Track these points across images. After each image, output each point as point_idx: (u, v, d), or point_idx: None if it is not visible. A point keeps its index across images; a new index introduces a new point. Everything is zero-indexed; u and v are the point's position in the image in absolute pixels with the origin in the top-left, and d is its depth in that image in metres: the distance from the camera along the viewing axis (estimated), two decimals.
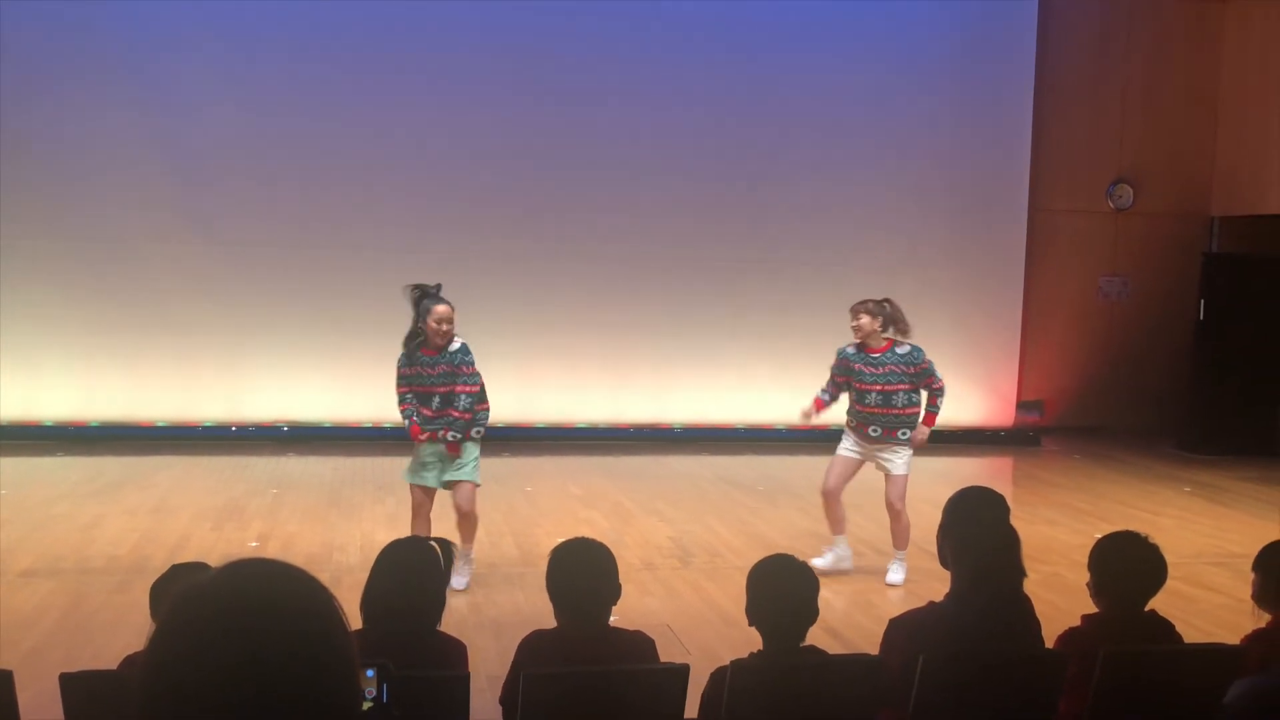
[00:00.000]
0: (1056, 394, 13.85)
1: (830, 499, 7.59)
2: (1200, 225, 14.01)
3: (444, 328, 6.70)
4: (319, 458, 11.17)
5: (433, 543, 3.76)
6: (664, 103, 12.56)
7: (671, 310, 12.54)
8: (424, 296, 6.76)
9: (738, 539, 8.42)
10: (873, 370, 7.36)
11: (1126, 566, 3.93)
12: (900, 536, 7.51)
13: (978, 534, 3.90)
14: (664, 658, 3.85)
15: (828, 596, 6.66)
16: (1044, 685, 3.68)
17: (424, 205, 12.16)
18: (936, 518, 4.27)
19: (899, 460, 7.47)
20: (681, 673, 3.53)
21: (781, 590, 3.59)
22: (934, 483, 10.58)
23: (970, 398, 13.33)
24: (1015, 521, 4.14)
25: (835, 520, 7.62)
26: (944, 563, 4.00)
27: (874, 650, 3.96)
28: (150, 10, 11.62)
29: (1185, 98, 13.88)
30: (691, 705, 3.61)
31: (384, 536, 7.81)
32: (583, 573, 3.73)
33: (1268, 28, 13.25)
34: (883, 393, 7.33)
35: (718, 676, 3.52)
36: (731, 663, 3.50)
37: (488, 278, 12.05)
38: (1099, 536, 4.15)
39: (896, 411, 7.36)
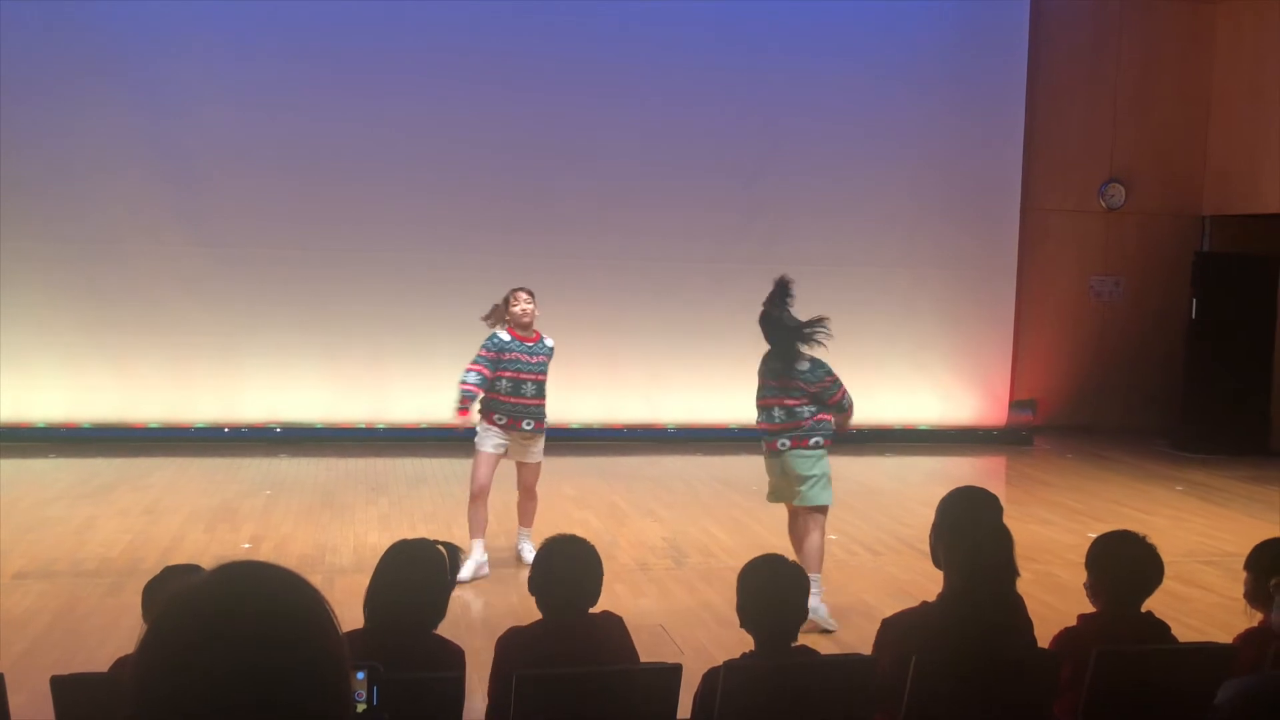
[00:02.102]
0: (1049, 393, 13.87)
1: (482, 499, 7.38)
2: (1192, 224, 14.04)
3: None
4: (312, 459, 11.15)
5: (440, 546, 3.76)
6: (656, 102, 12.56)
7: (665, 310, 12.54)
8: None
9: (731, 539, 8.42)
10: (528, 359, 7.45)
11: (1124, 566, 3.93)
12: (531, 515, 7.69)
13: (971, 533, 3.90)
14: (657, 658, 3.87)
15: (822, 596, 6.67)
16: (1037, 685, 3.68)
17: (416, 206, 12.14)
18: (930, 517, 4.28)
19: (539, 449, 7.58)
20: (674, 672, 3.53)
21: (771, 590, 3.60)
22: (927, 482, 10.63)
23: (963, 397, 13.36)
24: (1008, 521, 4.14)
25: (479, 523, 7.37)
26: (937, 562, 4.00)
27: (867, 650, 3.96)
28: (142, 11, 11.59)
29: (1177, 97, 13.91)
30: (684, 705, 3.62)
31: (377, 538, 7.84)
32: (568, 569, 3.78)
33: (1259, 28, 13.28)
34: (536, 383, 7.43)
35: (710, 677, 3.52)
36: (724, 663, 3.50)
37: (480, 278, 12.01)
38: (1093, 536, 4.16)
39: (542, 403, 7.49)
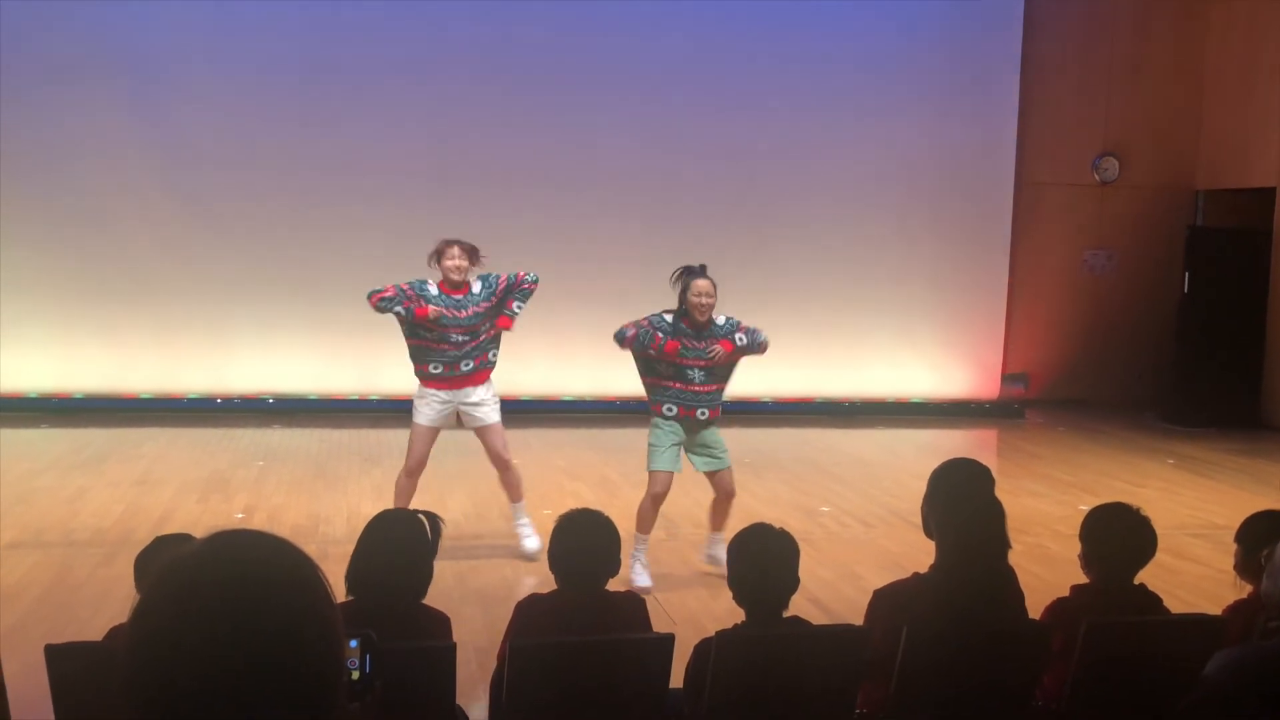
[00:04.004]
0: (1041, 367, 13.89)
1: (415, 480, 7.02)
2: (1185, 198, 14.03)
3: (704, 301, 6.94)
4: (305, 430, 11.15)
5: (421, 515, 3.78)
6: (648, 77, 12.50)
7: (657, 282, 12.48)
8: (686, 273, 7.03)
9: None
10: (455, 313, 7.02)
11: (1118, 538, 3.94)
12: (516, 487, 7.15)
13: (962, 506, 3.91)
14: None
15: (813, 567, 6.70)
16: (1028, 656, 3.70)
17: (409, 177, 12.08)
18: (922, 489, 4.28)
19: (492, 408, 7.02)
20: (667, 643, 3.54)
21: (762, 560, 3.61)
22: (919, 455, 10.64)
23: (955, 370, 13.37)
24: (1000, 493, 4.15)
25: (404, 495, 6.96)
26: (929, 534, 4.01)
27: (859, 621, 3.97)
28: None
29: (1171, 71, 13.87)
30: (676, 676, 3.63)
31: (370, 508, 7.81)
32: (583, 543, 3.81)
33: (1254, 1, 13.23)
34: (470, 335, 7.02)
35: (702, 648, 3.53)
36: (716, 634, 3.51)
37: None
38: (1084, 509, 4.17)
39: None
